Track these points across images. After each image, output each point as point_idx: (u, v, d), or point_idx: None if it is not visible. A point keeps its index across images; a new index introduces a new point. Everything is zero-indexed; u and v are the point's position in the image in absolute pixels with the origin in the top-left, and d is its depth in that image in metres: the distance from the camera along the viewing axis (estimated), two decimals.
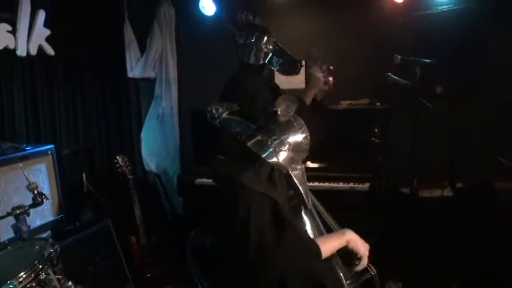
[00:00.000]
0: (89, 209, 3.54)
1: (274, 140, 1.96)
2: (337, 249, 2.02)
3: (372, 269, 2.14)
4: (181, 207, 4.63)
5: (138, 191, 3.85)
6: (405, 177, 3.64)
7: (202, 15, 4.21)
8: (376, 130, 3.70)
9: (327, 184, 3.69)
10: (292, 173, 2.02)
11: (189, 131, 4.51)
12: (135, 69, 4.38)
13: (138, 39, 4.38)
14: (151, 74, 4.53)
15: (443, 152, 3.80)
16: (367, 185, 3.58)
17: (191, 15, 4.38)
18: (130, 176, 3.73)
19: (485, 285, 3.51)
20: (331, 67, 2.77)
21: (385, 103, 3.90)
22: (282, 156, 1.95)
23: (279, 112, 1.98)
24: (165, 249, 3.91)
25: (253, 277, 1.87)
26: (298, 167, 2.04)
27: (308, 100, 2.79)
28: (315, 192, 3.52)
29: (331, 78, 2.77)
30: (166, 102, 4.59)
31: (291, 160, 1.99)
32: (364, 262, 2.07)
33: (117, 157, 3.74)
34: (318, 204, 2.22)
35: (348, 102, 4.03)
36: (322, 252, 1.92)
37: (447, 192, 3.71)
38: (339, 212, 3.43)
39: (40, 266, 2.08)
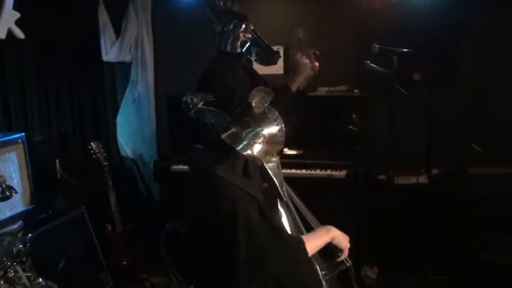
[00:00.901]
0: (62, 197, 3.48)
1: (249, 132, 1.94)
2: (321, 246, 2.01)
3: (347, 261, 2.14)
4: (158, 192, 4.59)
5: (114, 176, 3.80)
6: (382, 164, 3.66)
7: None
8: (353, 117, 3.68)
9: (304, 171, 3.68)
10: (267, 166, 2.01)
11: (165, 116, 4.45)
12: (110, 52, 4.28)
13: (113, 22, 4.27)
14: (126, 58, 4.43)
15: (420, 139, 3.83)
16: (344, 172, 3.58)
17: None
18: (105, 163, 3.67)
19: (460, 270, 3.57)
20: (317, 51, 2.74)
21: (363, 90, 3.89)
22: (257, 148, 1.93)
23: (253, 104, 1.96)
24: (141, 236, 3.87)
25: (230, 269, 1.85)
26: (273, 159, 2.03)
27: (294, 87, 2.78)
28: (292, 179, 3.57)
29: (317, 64, 2.74)
30: (142, 87, 4.51)
31: (265, 152, 1.97)
32: (345, 254, 2.09)
33: (91, 143, 3.68)
34: (293, 195, 2.21)
35: (326, 89, 4.02)
36: (308, 252, 1.90)
37: (423, 179, 3.74)
38: (316, 199, 3.50)
39: (8, 264, 2.03)
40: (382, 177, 3.66)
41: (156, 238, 3.65)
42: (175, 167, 3.94)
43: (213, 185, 1.91)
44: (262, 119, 1.96)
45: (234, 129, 1.94)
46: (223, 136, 1.92)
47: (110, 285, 3.45)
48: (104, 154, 3.68)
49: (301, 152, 3.78)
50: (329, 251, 2.10)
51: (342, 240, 2.06)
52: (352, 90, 3.95)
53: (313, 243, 1.96)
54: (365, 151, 3.79)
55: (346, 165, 3.63)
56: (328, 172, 3.62)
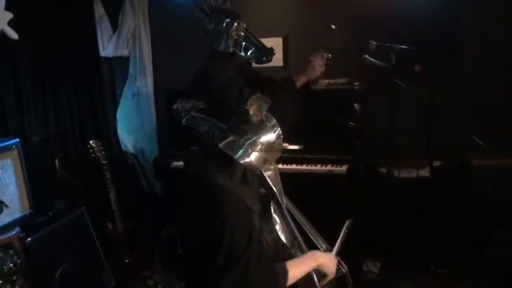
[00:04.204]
0: (62, 198, 3.46)
1: (247, 140, 1.92)
2: (305, 273, 1.98)
3: (343, 267, 2.13)
4: (159, 187, 4.58)
5: (115, 172, 3.78)
6: (384, 157, 3.64)
7: None
8: (354, 111, 3.65)
9: (304, 167, 3.65)
10: (265, 174, 1.99)
11: (165, 110, 4.41)
12: (107, 47, 4.24)
13: (109, 16, 4.22)
14: (124, 52, 4.39)
15: (421, 132, 3.79)
16: (345, 166, 3.55)
17: None
18: (104, 161, 3.65)
19: (463, 263, 3.56)
20: (329, 55, 2.79)
21: (364, 83, 3.84)
22: (255, 156, 1.92)
23: (251, 112, 1.93)
24: (143, 234, 3.87)
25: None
26: (271, 167, 2.01)
27: (298, 84, 2.79)
28: (293, 175, 3.56)
29: (324, 67, 2.81)
30: (141, 81, 4.47)
31: (263, 161, 1.96)
32: (328, 280, 2.07)
33: (90, 142, 3.65)
34: (290, 204, 2.18)
35: (326, 81, 3.96)
36: (289, 278, 1.88)
37: (425, 173, 3.70)
38: (317, 194, 3.49)
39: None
40: (384, 170, 3.64)
41: (158, 234, 3.70)
42: (175, 164, 3.91)
43: (212, 194, 1.88)
44: (260, 127, 1.95)
45: (231, 138, 1.93)
46: (220, 145, 1.91)
47: (112, 285, 3.45)
48: (103, 152, 3.64)
49: (301, 146, 3.74)
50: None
51: (329, 267, 2.04)
52: (352, 82, 3.89)
53: (298, 270, 1.94)
54: (366, 145, 3.76)
55: (347, 159, 3.59)
56: (329, 167, 3.58)
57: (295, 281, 1.92)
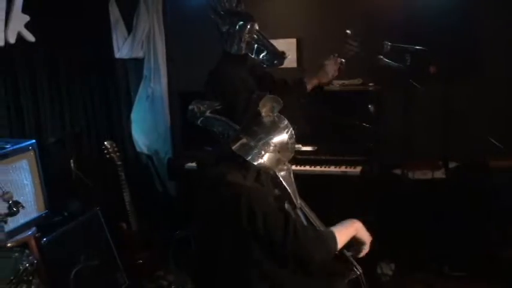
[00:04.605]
0: (77, 198, 3.50)
1: (259, 141, 1.92)
2: (349, 237, 2.04)
3: (357, 269, 2.12)
4: (173, 188, 4.60)
5: (130, 173, 3.82)
6: (398, 158, 3.61)
7: None
8: (368, 112, 3.63)
9: (318, 168, 3.64)
10: (279, 174, 1.99)
11: (179, 112, 4.43)
12: (122, 49, 4.26)
13: (124, 19, 4.25)
14: (139, 54, 4.42)
15: (436, 133, 3.75)
16: (359, 168, 3.53)
17: None
18: (119, 162, 3.68)
19: (477, 267, 3.52)
20: (343, 60, 2.78)
21: (378, 84, 3.81)
22: (268, 157, 1.93)
23: (263, 113, 1.93)
24: (156, 234, 3.89)
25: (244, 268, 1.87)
26: (285, 167, 2.01)
27: (309, 87, 2.78)
28: (307, 176, 3.55)
29: (337, 72, 2.80)
30: (155, 83, 4.49)
31: (277, 161, 1.96)
32: (367, 249, 2.10)
33: (105, 143, 3.69)
34: (303, 205, 2.18)
35: (341, 82, 3.94)
36: (338, 243, 1.94)
37: (440, 174, 3.67)
38: (331, 195, 3.47)
39: (14, 282, 2.01)
40: (398, 172, 3.61)
41: (172, 234, 3.71)
42: (189, 165, 3.92)
43: (228, 191, 1.88)
44: (272, 128, 1.95)
45: (244, 140, 1.93)
46: (233, 147, 1.92)
47: (126, 285, 3.47)
48: (118, 153, 3.68)
49: (315, 148, 3.73)
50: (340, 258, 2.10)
51: (365, 233, 2.08)
52: (367, 83, 3.87)
53: (343, 234, 1.99)
54: (380, 146, 3.74)
55: (361, 160, 3.57)
56: (343, 168, 3.57)
57: (342, 245, 1.98)
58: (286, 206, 2.01)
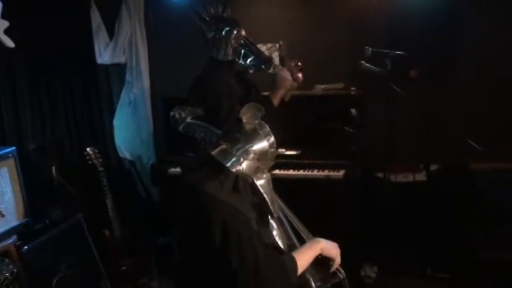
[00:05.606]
0: (59, 205, 3.46)
1: (239, 148, 1.92)
2: (312, 259, 2.01)
3: (341, 273, 2.13)
4: (157, 194, 4.57)
5: (112, 179, 3.78)
6: (381, 162, 3.64)
7: None
8: (351, 116, 3.65)
9: (301, 172, 3.66)
10: (257, 182, 1.98)
11: (161, 117, 4.42)
12: (104, 54, 4.24)
13: (106, 24, 4.22)
14: (121, 59, 4.39)
15: (418, 136, 3.78)
16: (342, 171, 3.56)
17: None
18: (102, 168, 3.65)
19: (459, 268, 3.56)
20: (299, 63, 2.72)
21: (360, 88, 3.85)
22: (247, 165, 1.92)
23: (244, 120, 1.93)
24: (140, 240, 3.87)
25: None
26: (264, 175, 2.01)
27: (276, 102, 2.72)
28: (290, 180, 3.56)
29: (300, 75, 2.73)
30: (137, 89, 4.47)
31: (256, 169, 1.96)
32: (338, 262, 2.08)
33: (87, 149, 3.65)
34: (285, 209, 2.18)
35: (323, 86, 3.97)
36: (299, 268, 1.92)
37: (422, 176, 3.70)
38: (314, 199, 3.49)
39: None
40: (380, 175, 3.64)
41: (155, 240, 3.69)
42: (172, 170, 3.92)
43: (203, 203, 1.89)
44: (253, 136, 1.94)
45: (223, 146, 1.92)
46: (213, 153, 1.90)
47: None
48: (100, 159, 3.65)
49: (298, 152, 3.74)
50: (322, 262, 2.10)
51: (332, 251, 2.06)
52: (349, 87, 3.90)
53: (304, 258, 1.97)
54: (363, 149, 3.76)
55: (344, 164, 3.60)
56: (326, 172, 3.59)
57: (304, 269, 1.96)
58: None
